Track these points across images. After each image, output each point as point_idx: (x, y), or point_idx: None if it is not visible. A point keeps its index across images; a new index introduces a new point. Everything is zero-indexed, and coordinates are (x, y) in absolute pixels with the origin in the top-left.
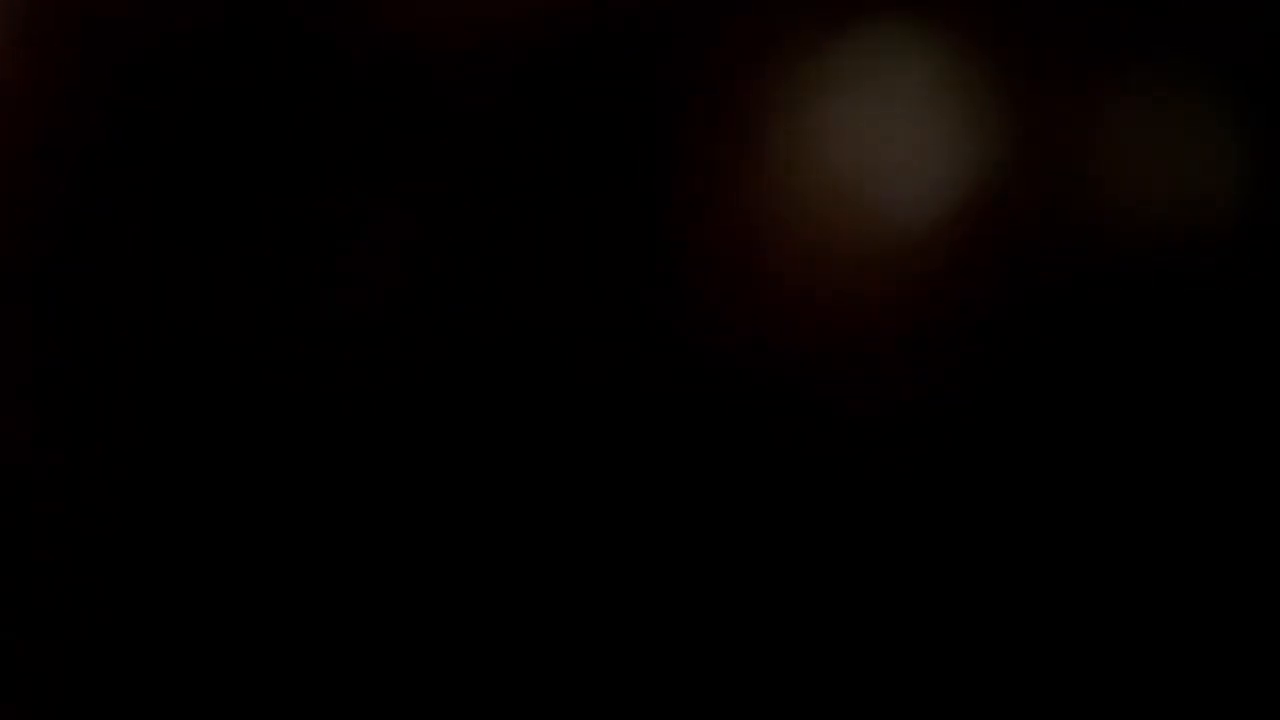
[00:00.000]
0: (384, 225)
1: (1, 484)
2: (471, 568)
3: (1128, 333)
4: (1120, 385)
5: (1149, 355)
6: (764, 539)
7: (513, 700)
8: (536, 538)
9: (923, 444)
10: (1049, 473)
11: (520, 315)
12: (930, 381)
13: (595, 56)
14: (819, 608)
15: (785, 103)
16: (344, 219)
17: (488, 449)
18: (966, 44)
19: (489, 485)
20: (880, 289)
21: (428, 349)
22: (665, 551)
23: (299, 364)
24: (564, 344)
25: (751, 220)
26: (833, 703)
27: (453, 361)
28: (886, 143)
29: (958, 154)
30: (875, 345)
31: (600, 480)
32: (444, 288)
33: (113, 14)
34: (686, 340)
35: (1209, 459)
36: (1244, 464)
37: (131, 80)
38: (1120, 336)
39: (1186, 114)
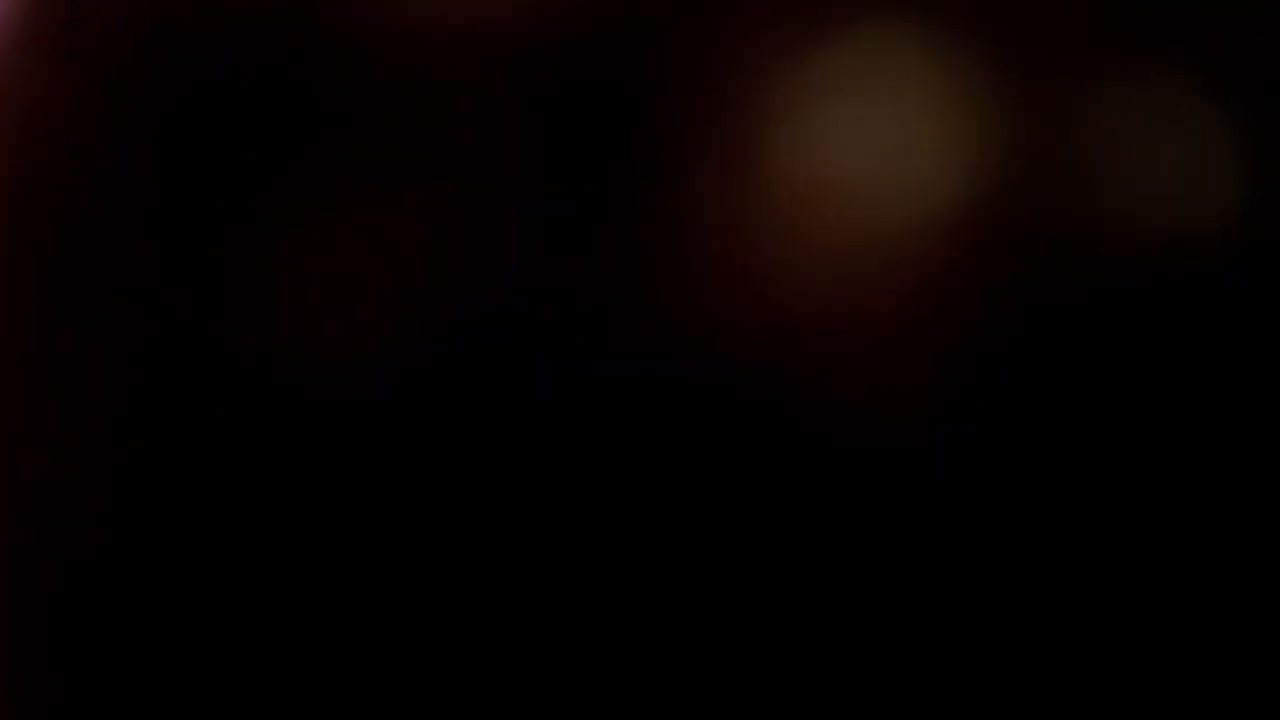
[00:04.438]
0: (380, 222)
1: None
2: (463, 567)
3: (1130, 337)
4: (1122, 390)
5: (1151, 360)
6: (757, 545)
7: (502, 699)
8: (529, 537)
9: (920, 449)
10: (1049, 481)
11: (512, 313)
12: (928, 386)
13: (588, 54)
14: (814, 612)
15: (781, 103)
16: (337, 216)
17: (479, 449)
18: (965, 45)
19: (483, 484)
20: (875, 293)
21: (424, 349)
22: (657, 555)
23: (294, 359)
24: (554, 342)
25: (746, 222)
26: (822, 709)
27: (447, 360)
28: (883, 145)
29: (956, 156)
30: (871, 349)
31: (591, 481)
32: (439, 286)
33: (113, 12)
34: (678, 342)
35: (1211, 465)
36: (1246, 469)
37: (130, 79)
38: (1122, 340)
39: (1188, 116)
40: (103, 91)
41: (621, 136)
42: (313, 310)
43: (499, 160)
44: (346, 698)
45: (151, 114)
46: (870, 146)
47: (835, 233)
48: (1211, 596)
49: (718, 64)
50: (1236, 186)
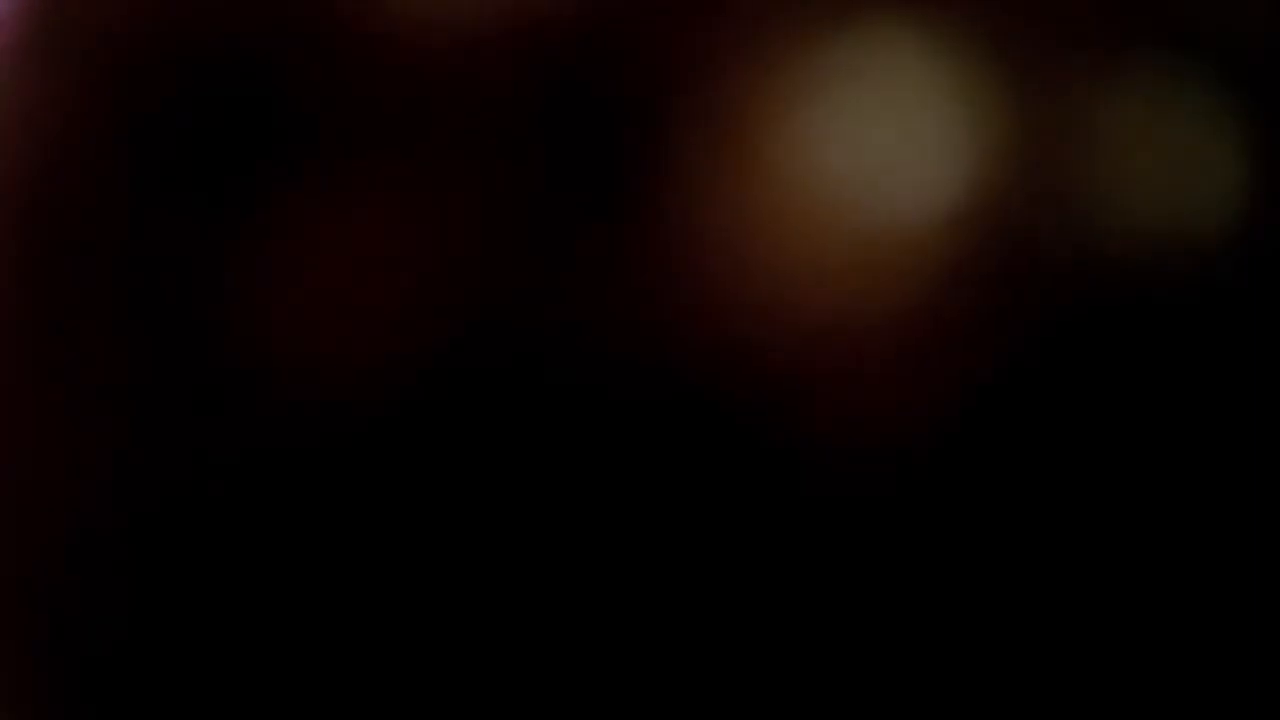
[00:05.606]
0: (380, 224)
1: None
2: (455, 570)
3: (1128, 339)
4: (1120, 393)
5: (1149, 363)
6: (751, 554)
7: (505, 702)
8: (529, 543)
9: (917, 453)
10: (1048, 486)
11: (505, 315)
12: (926, 389)
13: (589, 54)
14: (804, 626)
15: (779, 103)
16: (337, 216)
17: (479, 454)
18: (967, 44)
19: (483, 489)
20: (873, 294)
21: (424, 352)
22: (644, 566)
23: (293, 361)
24: (548, 346)
25: (747, 221)
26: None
27: (447, 363)
28: (880, 145)
29: (958, 156)
30: (868, 352)
31: (581, 488)
32: (438, 288)
33: (112, 13)
34: (672, 344)
35: (1211, 469)
36: (1245, 473)
37: (129, 79)
38: (1121, 343)
39: (1188, 117)
40: (103, 92)
41: (622, 137)
42: (313, 312)
43: (498, 161)
44: (345, 699)
45: (151, 114)
46: (872, 146)
47: (836, 232)
48: (1217, 599)
49: (720, 63)
50: (1238, 186)
